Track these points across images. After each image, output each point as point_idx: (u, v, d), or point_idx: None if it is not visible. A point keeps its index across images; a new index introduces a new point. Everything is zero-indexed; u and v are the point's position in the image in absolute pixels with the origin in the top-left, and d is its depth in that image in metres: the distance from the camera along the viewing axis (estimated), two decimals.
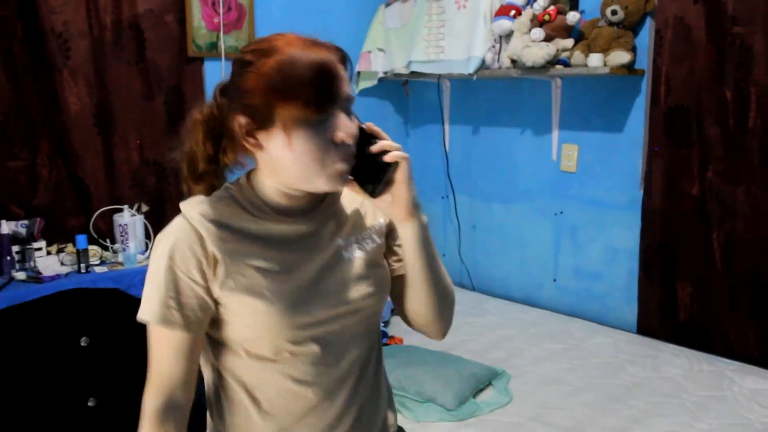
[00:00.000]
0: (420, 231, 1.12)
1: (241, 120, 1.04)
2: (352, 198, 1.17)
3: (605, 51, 2.77)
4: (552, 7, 2.85)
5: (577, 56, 2.80)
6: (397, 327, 2.95)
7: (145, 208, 2.89)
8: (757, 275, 2.63)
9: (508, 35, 2.96)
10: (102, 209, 2.87)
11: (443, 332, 1.24)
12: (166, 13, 3.02)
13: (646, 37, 2.80)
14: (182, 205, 1.10)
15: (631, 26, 2.79)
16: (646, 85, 2.81)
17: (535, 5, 2.88)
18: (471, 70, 3.10)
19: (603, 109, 2.95)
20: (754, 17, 2.53)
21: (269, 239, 1.09)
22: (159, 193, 3.06)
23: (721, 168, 2.67)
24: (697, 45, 2.66)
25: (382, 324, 2.93)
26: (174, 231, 1.07)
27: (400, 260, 1.21)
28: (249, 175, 1.13)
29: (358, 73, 3.51)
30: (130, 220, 2.79)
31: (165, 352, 1.06)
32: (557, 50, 2.82)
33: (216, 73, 3.11)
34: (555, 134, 3.08)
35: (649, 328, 2.93)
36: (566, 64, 2.83)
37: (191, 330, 1.06)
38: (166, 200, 3.06)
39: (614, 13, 2.74)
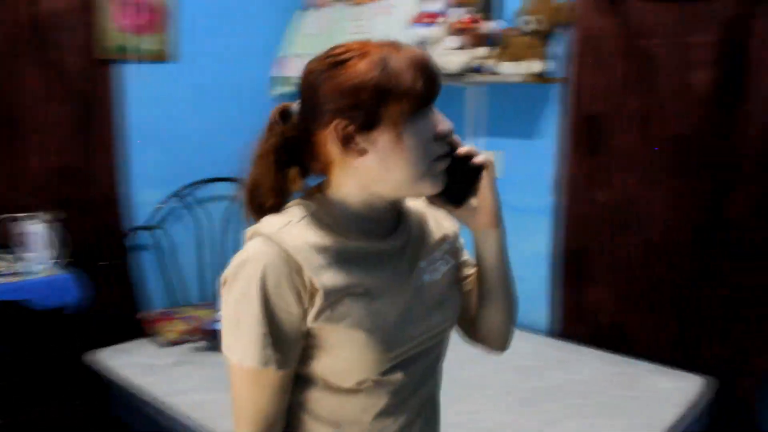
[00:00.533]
0: (504, 238, 1.12)
1: (342, 124, 0.96)
2: (417, 215, 1.13)
3: (520, 60, 2.81)
4: (468, 16, 2.87)
5: (492, 64, 2.83)
6: None
7: (50, 215, 2.74)
8: (668, 278, 2.71)
9: (427, 43, 2.97)
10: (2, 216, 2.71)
11: (509, 342, 1.22)
12: (73, 13, 2.88)
13: (562, 47, 2.86)
14: (263, 228, 0.99)
15: (546, 36, 2.84)
16: (561, 93, 2.86)
17: (452, 14, 2.90)
18: None
19: (522, 117, 3.00)
20: (659, 31, 2.62)
21: (360, 262, 1.01)
22: (65, 201, 2.90)
23: (632, 174, 2.75)
24: (609, 56, 2.74)
25: None
26: (262, 259, 0.95)
27: (467, 277, 1.18)
28: (323, 191, 1.05)
29: (276, 78, 3.46)
30: (33, 228, 2.64)
31: (262, 392, 0.98)
32: (472, 58, 2.84)
33: (129, 77, 2.99)
34: (482, 141, 3.11)
35: (566, 331, 2.98)
36: (483, 71, 2.86)
37: (290, 366, 0.99)
38: (73, 208, 2.91)
39: (530, 22, 2.79)
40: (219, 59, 3.24)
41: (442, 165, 1.01)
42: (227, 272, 0.98)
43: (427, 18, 2.92)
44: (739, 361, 2.60)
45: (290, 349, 0.97)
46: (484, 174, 1.05)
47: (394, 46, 0.98)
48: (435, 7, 2.96)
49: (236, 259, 0.98)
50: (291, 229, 0.98)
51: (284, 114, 1.04)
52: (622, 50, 2.71)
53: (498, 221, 1.09)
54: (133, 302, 3.08)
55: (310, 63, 1.01)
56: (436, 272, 1.10)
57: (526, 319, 2.98)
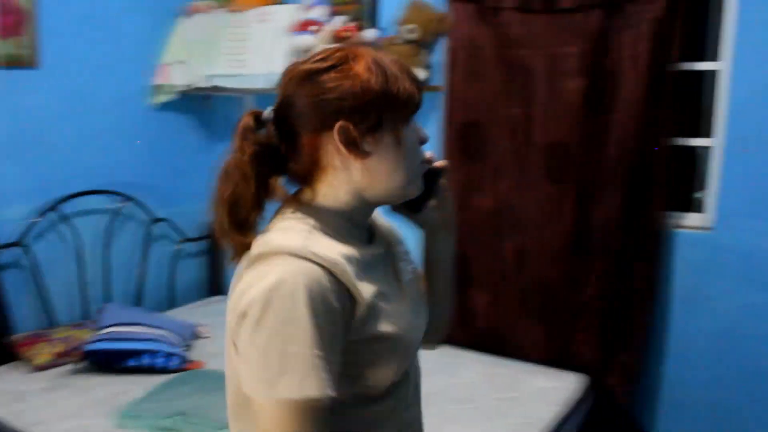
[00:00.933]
0: (455, 242, 1.16)
1: (348, 126, 0.95)
2: (380, 221, 1.15)
3: None
4: (351, 24, 2.87)
5: None
6: (199, 350, 2.81)
7: None
8: (545, 282, 2.80)
9: (307, 51, 2.94)
10: None
11: (445, 338, 1.27)
12: None
13: (440, 56, 2.90)
14: (286, 244, 0.91)
15: (427, 44, 2.88)
16: (441, 102, 2.91)
17: (334, 21, 2.89)
18: (273, 85, 3.03)
19: None
20: (534, 41, 2.71)
21: (371, 268, 1.00)
22: None
23: (510, 181, 2.82)
24: (487, 65, 2.80)
25: (184, 348, 2.77)
26: (300, 277, 0.88)
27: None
28: (308, 199, 1.02)
29: (157, 86, 3.33)
30: None
31: (318, 426, 0.88)
32: None
33: None
34: None
35: (451, 335, 3.01)
36: None
37: (334, 389, 0.90)
38: None
39: (411, 31, 2.81)
40: (87, 66, 3.06)
41: (423, 169, 1.05)
42: (250, 302, 0.88)
43: (307, 26, 2.90)
44: (607, 358, 2.71)
45: (338, 369, 0.91)
46: (443, 177, 1.10)
47: (377, 51, 1.00)
48: (315, 15, 2.94)
49: (260, 285, 0.88)
50: (316, 242, 0.94)
51: (258, 121, 1.00)
52: (497, 59, 2.78)
53: (454, 224, 1.15)
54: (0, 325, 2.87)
55: (293, 67, 0.99)
56: (409, 272, 1.13)
57: None
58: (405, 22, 2.84)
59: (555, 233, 2.74)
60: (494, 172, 2.85)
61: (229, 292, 0.95)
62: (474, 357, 2.87)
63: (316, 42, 2.87)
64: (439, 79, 2.91)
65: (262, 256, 0.92)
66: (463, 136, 2.85)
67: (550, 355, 2.84)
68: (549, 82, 2.71)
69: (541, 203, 2.77)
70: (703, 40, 2.70)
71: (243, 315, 0.89)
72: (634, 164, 2.57)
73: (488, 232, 2.89)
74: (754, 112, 2.46)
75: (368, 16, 2.98)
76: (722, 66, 2.55)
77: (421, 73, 2.79)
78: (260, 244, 0.94)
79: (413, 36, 2.82)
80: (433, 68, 2.92)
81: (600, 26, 2.57)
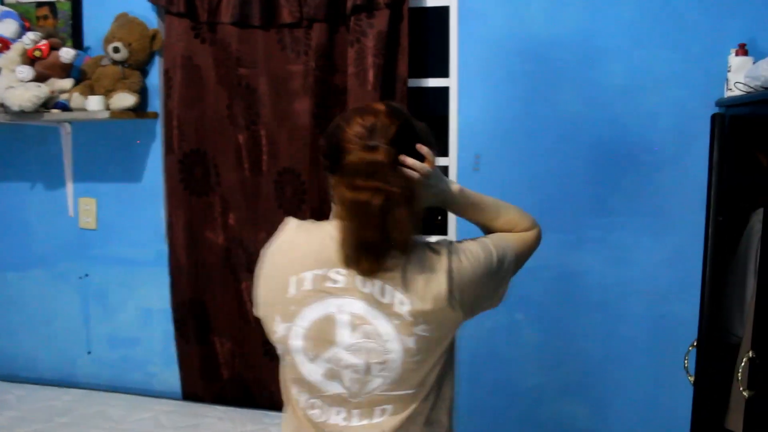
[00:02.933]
0: (466, 203, 1.41)
1: None
2: None
3: (109, 93, 2.44)
4: (44, 42, 2.43)
5: (76, 98, 2.42)
6: None
7: None
8: None
9: None
10: None
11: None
12: None
13: (157, 77, 2.54)
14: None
15: (139, 65, 2.51)
16: (161, 129, 2.55)
17: (25, 39, 2.44)
18: None
19: (119, 157, 2.62)
20: (257, 59, 2.43)
21: None
22: None
23: (241, 214, 2.51)
24: (207, 86, 2.48)
25: None
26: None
27: None
28: None
29: None
30: None
31: None
32: (52, 91, 2.41)
33: None
34: (69, 187, 2.65)
35: (194, 391, 2.64)
36: (66, 107, 2.43)
37: None
38: None
39: (116, 50, 2.43)
40: None
41: None
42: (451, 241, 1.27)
43: None
44: None
45: None
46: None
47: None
48: (4, 30, 2.47)
49: (448, 240, 1.26)
50: None
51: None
52: (217, 80, 2.47)
53: (452, 198, 1.35)
54: None
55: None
56: None
57: (156, 383, 2.61)
58: (111, 39, 2.45)
59: None
60: (223, 206, 2.52)
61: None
62: (221, 412, 2.51)
63: (3, 64, 2.41)
64: (158, 105, 2.54)
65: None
66: (186, 167, 2.50)
67: None
68: (274, 103, 2.44)
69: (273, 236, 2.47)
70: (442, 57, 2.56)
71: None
72: None
73: (223, 272, 2.55)
74: (481, 130, 2.34)
75: (71, 33, 2.56)
76: (451, 83, 2.41)
77: (128, 99, 2.41)
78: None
79: (120, 56, 2.44)
80: (149, 92, 2.55)
81: (324, 42, 2.34)
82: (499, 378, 2.45)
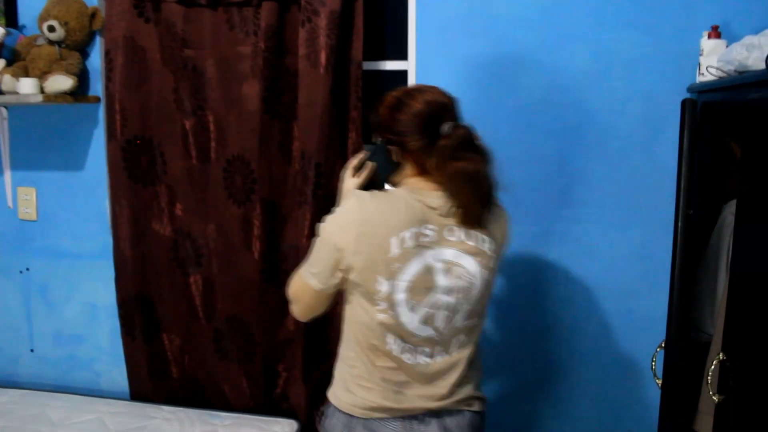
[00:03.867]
0: None
1: None
2: None
3: (44, 75, 2.22)
4: None
5: (8, 81, 2.21)
6: None
7: None
8: (239, 318, 2.32)
9: None
10: None
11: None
12: None
13: (98, 59, 2.33)
14: None
15: (78, 46, 2.30)
16: (101, 114, 2.34)
17: None
18: None
19: (60, 144, 2.41)
20: (204, 40, 2.23)
21: None
22: None
23: (189, 204, 2.32)
24: (152, 69, 2.28)
25: None
26: None
27: None
28: None
29: None
30: None
31: None
32: None
33: None
34: (8, 176, 2.44)
35: (142, 391, 2.46)
36: None
37: None
38: None
39: (52, 29, 2.22)
40: None
41: None
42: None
43: None
44: (317, 398, 2.29)
45: None
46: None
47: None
48: None
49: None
50: None
51: None
52: (162, 62, 2.27)
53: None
54: None
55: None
56: None
57: (103, 382, 2.44)
58: (51, 17, 2.24)
59: (243, 262, 2.28)
60: (169, 195, 2.33)
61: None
62: (170, 412, 2.34)
63: None
64: (99, 88, 2.33)
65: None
66: (130, 154, 2.30)
67: (256, 401, 2.37)
68: (222, 87, 2.25)
69: (224, 228, 2.29)
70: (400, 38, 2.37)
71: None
72: (323, 176, 2.16)
73: (170, 266, 2.37)
74: None
75: (4, 10, 2.34)
76: (409, 66, 2.23)
77: (65, 82, 2.20)
78: None
79: (56, 36, 2.22)
80: (91, 75, 2.34)
81: (274, 22, 2.15)
82: None
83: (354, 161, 1.53)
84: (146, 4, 2.25)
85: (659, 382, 1.88)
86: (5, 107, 2.40)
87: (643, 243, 2.13)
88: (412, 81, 2.21)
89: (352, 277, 1.39)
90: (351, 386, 1.49)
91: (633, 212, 2.12)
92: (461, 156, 1.36)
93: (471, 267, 1.42)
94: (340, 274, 1.41)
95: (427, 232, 1.38)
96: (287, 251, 2.27)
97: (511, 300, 2.22)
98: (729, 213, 1.95)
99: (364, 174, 1.50)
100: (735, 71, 1.71)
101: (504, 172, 2.13)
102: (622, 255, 2.15)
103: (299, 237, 2.21)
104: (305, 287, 1.47)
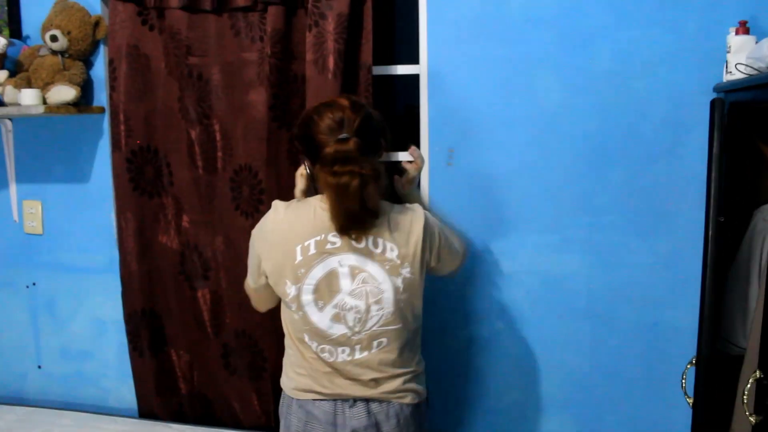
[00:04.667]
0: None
1: None
2: None
3: (47, 86, 2.14)
4: None
5: (10, 92, 2.13)
6: None
7: None
8: (247, 334, 2.22)
9: None
10: None
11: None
12: None
13: (102, 69, 2.24)
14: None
15: (81, 56, 2.21)
16: (106, 125, 2.25)
17: None
18: None
19: (65, 156, 2.32)
20: (208, 47, 2.13)
21: None
22: None
23: (195, 216, 2.22)
24: (157, 77, 2.19)
25: None
26: None
27: None
28: None
29: None
30: None
31: None
32: None
33: None
34: (13, 189, 2.36)
35: (150, 407, 2.36)
36: (0, 102, 2.14)
37: None
38: None
39: (54, 39, 2.13)
40: None
41: None
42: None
43: None
44: None
45: None
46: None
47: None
48: None
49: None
50: None
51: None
52: (168, 71, 2.18)
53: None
54: None
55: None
56: None
57: (111, 399, 2.35)
58: (48, 27, 2.15)
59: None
60: (176, 207, 2.23)
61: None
62: (176, 431, 2.22)
63: None
64: (104, 99, 2.25)
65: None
66: (136, 165, 2.21)
67: (266, 418, 2.27)
68: (228, 95, 2.15)
69: (232, 241, 2.18)
70: (411, 42, 2.26)
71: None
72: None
73: (177, 280, 2.27)
74: (454, 122, 2.05)
75: (7, 21, 2.26)
76: (421, 70, 2.11)
77: (68, 92, 2.12)
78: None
79: (59, 46, 2.14)
80: (95, 85, 2.25)
81: (281, 26, 2.05)
82: (477, 393, 2.16)
83: (301, 169, 1.68)
84: (150, 11, 2.16)
85: (690, 401, 1.74)
86: (9, 119, 2.31)
87: (668, 251, 1.99)
88: (424, 86, 2.09)
89: (269, 280, 1.56)
90: (289, 372, 1.62)
91: (657, 219, 1.98)
92: (338, 170, 1.43)
93: (376, 273, 1.50)
94: (264, 277, 1.58)
95: (333, 239, 1.49)
96: None
97: (529, 311, 2.10)
98: (761, 219, 1.82)
99: (302, 180, 1.69)
100: (766, 68, 1.58)
101: (520, 177, 2.03)
102: (645, 264, 2.01)
103: None
104: (246, 285, 1.69)
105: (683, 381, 1.81)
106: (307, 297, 1.51)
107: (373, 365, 1.55)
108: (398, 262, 1.50)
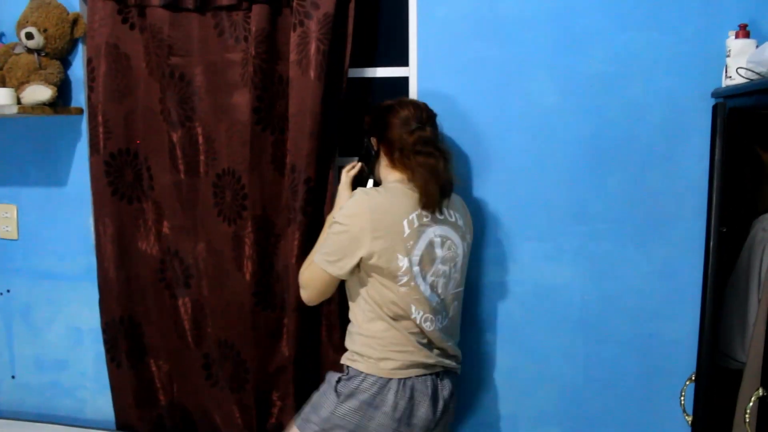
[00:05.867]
0: None
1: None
2: None
3: (22, 85, 2.02)
4: None
5: None
6: None
7: None
8: (229, 344, 2.11)
9: None
10: None
11: None
12: None
13: (80, 68, 2.13)
14: None
15: (58, 54, 2.10)
16: (84, 127, 2.14)
17: None
18: None
19: (41, 158, 2.21)
20: (191, 47, 2.03)
21: None
22: None
23: (176, 222, 2.11)
24: (137, 78, 2.08)
25: None
26: None
27: None
28: None
29: None
30: None
31: None
32: None
33: None
34: None
35: (128, 420, 2.24)
36: None
37: None
38: None
39: (30, 36, 2.02)
40: None
41: None
42: None
43: None
44: None
45: None
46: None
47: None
48: None
49: None
50: None
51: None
52: (149, 71, 2.07)
53: None
54: None
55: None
56: None
57: (88, 410, 2.24)
58: (24, 24, 2.04)
59: (234, 283, 2.07)
60: (156, 212, 2.12)
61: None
62: None
63: None
64: (83, 99, 2.14)
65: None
66: (114, 169, 2.10)
67: (249, 431, 2.15)
68: (211, 96, 2.04)
69: (214, 247, 2.08)
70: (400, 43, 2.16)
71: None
72: (312, 192, 1.95)
73: (157, 287, 2.16)
74: (444, 126, 1.95)
75: None
76: (410, 72, 2.02)
77: (43, 92, 2.00)
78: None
79: (35, 43, 2.03)
80: (73, 85, 2.14)
81: (266, 26, 1.94)
82: (467, 405, 2.06)
83: (348, 166, 1.81)
84: (131, 9, 2.05)
85: (689, 419, 1.64)
86: None
87: (665, 260, 1.90)
88: (413, 88, 2.00)
89: (373, 261, 1.58)
90: (387, 354, 1.62)
91: (653, 227, 1.90)
92: (429, 151, 1.62)
93: (455, 239, 1.68)
94: (356, 261, 1.60)
95: (426, 213, 1.62)
96: (281, 272, 2.06)
97: (522, 322, 2.00)
98: (761, 229, 1.73)
99: (354, 170, 1.80)
100: None
101: (514, 184, 1.94)
102: (641, 274, 1.92)
103: (290, 257, 1.99)
104: (321, 275, 1.65)
105: (682, 398, 1.71)
106: (416, 268, 1.60)
107: (452, 330, 1.72)
108: (464, 229, 1.71)
